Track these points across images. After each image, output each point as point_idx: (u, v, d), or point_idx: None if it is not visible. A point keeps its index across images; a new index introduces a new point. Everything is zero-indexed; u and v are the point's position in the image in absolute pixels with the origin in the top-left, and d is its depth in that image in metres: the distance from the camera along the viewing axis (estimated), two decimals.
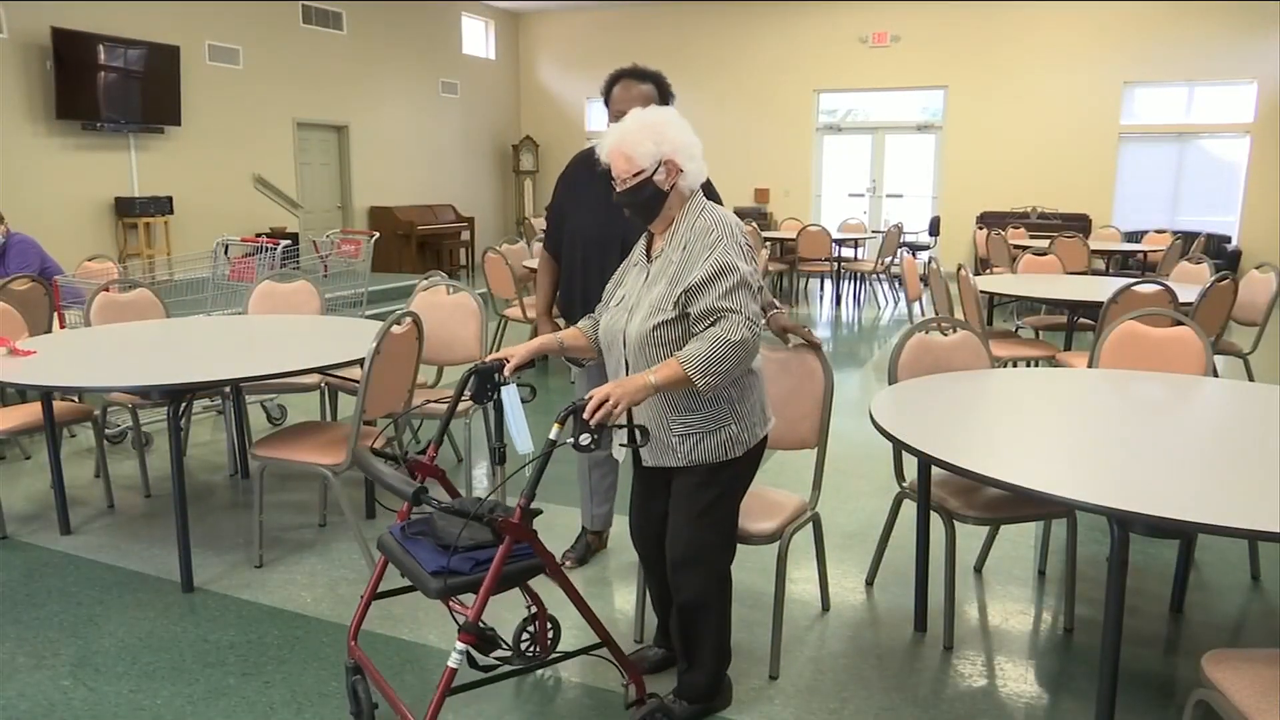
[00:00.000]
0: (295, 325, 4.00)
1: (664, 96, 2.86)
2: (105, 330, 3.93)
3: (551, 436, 1.96)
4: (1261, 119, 11.53)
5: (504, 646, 2.19)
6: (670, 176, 2.13)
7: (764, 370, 2.35)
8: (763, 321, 2.20)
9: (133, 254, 9.20)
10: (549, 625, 2.38)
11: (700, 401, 2.16)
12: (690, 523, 2.24)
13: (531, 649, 2.40)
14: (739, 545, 2.35)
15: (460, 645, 1.96)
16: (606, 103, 2.91)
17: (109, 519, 3.81)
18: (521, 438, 2.12)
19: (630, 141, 2.11)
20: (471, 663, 2.30)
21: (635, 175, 2.11)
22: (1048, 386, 2.92)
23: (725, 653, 2.37)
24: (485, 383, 2.19)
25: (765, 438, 2.29)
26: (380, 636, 2.82)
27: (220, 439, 4.93)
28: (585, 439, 1.91)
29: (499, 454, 2.37)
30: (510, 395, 2.18)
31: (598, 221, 2.95)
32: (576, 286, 3.04)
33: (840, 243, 10.23)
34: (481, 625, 2.00)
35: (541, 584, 2.42)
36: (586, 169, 2.99)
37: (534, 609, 2.39)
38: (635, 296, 2.23)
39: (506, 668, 2.33)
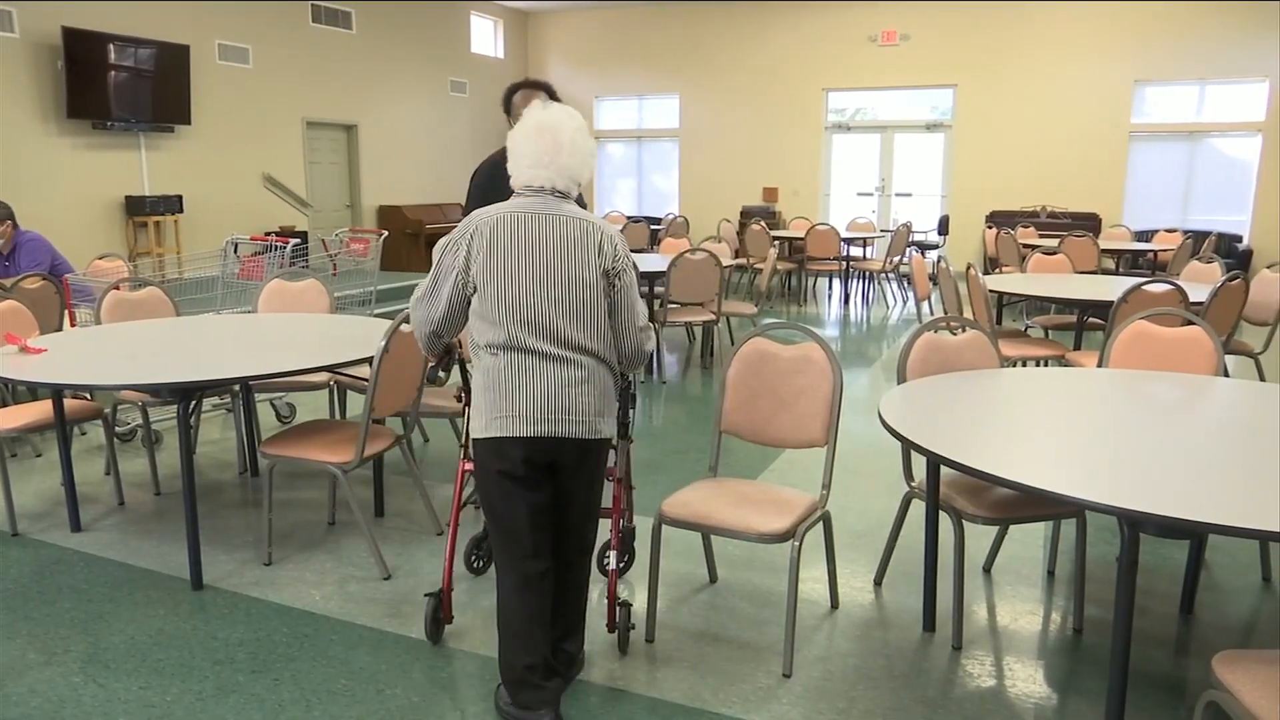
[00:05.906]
0: (304, 324, 4.02)
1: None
2: (116, 328, 3.94)
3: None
4: (1273, 117, 11.46)
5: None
6: None
7: (513, 379, 2.19)
8: (435, 314, 2.27)
9: (143, 252, 9.24)
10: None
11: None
12: None
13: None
14: (749, 543, 2.34)
15: None
16: (507, 110, 3.32)
17: (119, 516, 3.83)
18: None
19: None
20: None
21: None
22: (1057, 386, 2.91)
23: (502, 630, 2.33)
24: None
25: (496, 442, 2.21)
26: (389, 635, 2.83)
27: (229, 437, 4.95)
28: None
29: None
30: None
31: None
32: None
33: (849, 242, 10.20)
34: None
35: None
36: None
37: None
38: None
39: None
